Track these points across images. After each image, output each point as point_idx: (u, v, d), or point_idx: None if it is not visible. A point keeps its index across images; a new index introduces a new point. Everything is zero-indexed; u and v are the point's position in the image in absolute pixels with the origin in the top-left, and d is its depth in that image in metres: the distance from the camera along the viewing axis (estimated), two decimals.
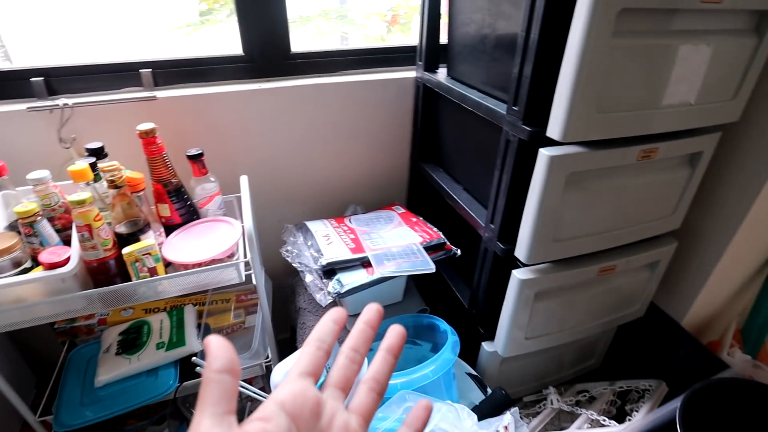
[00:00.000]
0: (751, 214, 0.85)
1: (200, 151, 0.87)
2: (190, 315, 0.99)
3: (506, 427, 0.77)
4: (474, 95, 0.81)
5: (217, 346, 0.25)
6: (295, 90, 1.00)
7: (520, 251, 0.74)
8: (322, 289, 0.84)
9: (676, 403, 0.72)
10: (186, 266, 0.79)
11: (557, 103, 0.61)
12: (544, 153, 0.64)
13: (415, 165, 1.14)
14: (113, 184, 0.73)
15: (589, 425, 0.90)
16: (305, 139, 1.07)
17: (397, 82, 1.07)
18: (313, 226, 0.99)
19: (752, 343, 1.00)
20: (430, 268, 0.84)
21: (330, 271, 0.86)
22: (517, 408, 0.78)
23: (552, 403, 0.95)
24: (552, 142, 0.64)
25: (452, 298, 1.01)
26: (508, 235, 0.76)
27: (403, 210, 1.07)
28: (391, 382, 0.73)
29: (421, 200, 1.17)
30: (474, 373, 0.90)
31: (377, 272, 0.83)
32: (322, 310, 1.03)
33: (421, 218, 1.03)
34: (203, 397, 0.23)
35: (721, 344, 0.98)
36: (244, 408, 1.10)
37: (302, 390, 0.25)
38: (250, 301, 1.09)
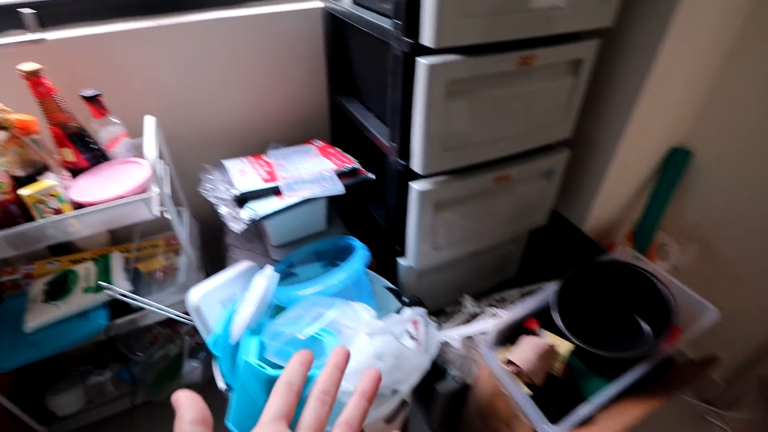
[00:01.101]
0: (632, 122, 0.92)
1: (97, 93, 0.85)
2: (117, 261, 1.01)
3: (415, 323, 0.85)
4: (370, 16, 0.82)
5: (187, 399, 0.26)
6: (197, 26, 0.98)
7: (416, 163, 0.79)
8: (236, 218, 0.87)
9: (556, 285, 0.81)
10: (95, 205, 0.79)
11: (426, 12, 0.63)
12: (421, 62, 0.67)
13: (333, 99, 1.15)
14: None
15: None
16: (216, 77, 1.05)
17: (305, 12, 1.05)
18: (230, 163, 1.01)
19: (642, 242, 1.12)
20: (340, 190, 0.88)
21: (243, 200, 0.89)
22: (425, 309, 0.85)
23: (466, 307, 1.05)
24: (431, 52, 0.67)
25: (373, 223, 1.07)
26: (406, 150, 0.80)
27: (322, 144, 1.09)
28: (302, 293, 0.79)
29: (342, 133, 1.20)
30: (391, 286, 0.97)
31: (286, 197, 0.86)
32: (248, 243, 1.07)
33: (339, 149, 1.05)
34: None
35: (615, 244, 1.09)
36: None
37: None
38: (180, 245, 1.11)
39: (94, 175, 0.88)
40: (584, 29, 0.76)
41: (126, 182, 0.84)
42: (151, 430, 1.12)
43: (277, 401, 0.29)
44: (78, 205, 0.80)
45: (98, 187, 0.84)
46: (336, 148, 1.06)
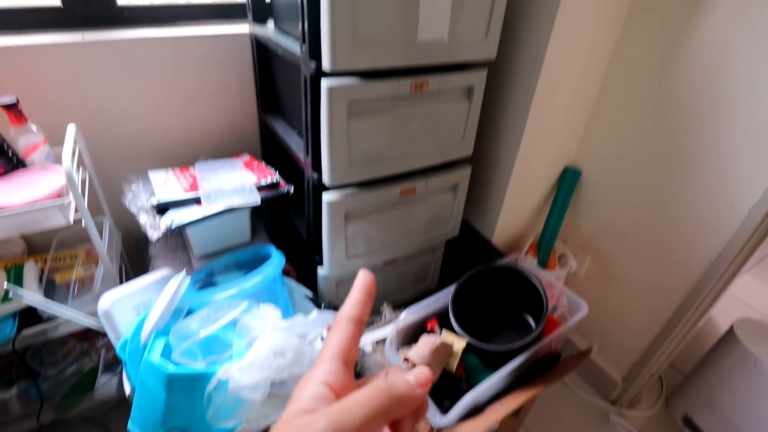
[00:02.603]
0: (524, 141, 1.05)
1: (14, 100, 0.87)
2: (30, 270, 0.99)
3: (329, 328, 0.90)
4: (287, 41, 0.90)
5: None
6: (123, 44, 1.02)
7: (325, 176, 0.86)
8: (154, 226, 0.90)
9: (453, 287, 0.90)
10: (5, 209, 0.80)
11: (323, 38, 0.72)
12: (323, 84, 0.76)
13: (262, 116, 1.21)
14: None
15: None
16: (146, 91, 1.09)
17: (235, 37, 1.13)
18: (154, 174, 1.04)
19: (543, 252, 1.24)
20: (256, 201, 0.94)
21: (163, 209, 0.92)
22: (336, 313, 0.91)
23: (385, 316, 1.11)
24: (333, 75, 0.76)
25: (296, 235, 1.12)
26: (318, 164, 0.88)
27: (248, 158, 1.15)
28: (214, 297, 0.82)
29: (270, 149, 1.26)
30: (310, 295, 1.02)
31: (205, 206, 0.91)
32: (171, 254, 1.09)
33: (264, 163, 1.11)
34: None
35: (519, 255, 1.21)
36: None
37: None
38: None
39: (8, 181, 0.88)
40: (470, 61, 0.88)
41: (40, 188, 0.85)
42: None
43: (336, 337, 0.26)
44: None
45: (11, 193, 0.84)
46: (260, 162, 1.12)
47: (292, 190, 1.03)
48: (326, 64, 0.73)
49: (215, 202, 0.93)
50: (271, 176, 1.03)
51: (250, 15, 1.07)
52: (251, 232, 1.11)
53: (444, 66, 0.86)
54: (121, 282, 1.06)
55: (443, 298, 0.93)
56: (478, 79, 0.92)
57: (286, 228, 1.19)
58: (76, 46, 0.98)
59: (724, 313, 1.79)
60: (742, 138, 0.91)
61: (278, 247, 1.13)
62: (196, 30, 1.09)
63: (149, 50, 1.05)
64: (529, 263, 1.21)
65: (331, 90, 0.75)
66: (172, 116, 1.15)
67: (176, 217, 0.90)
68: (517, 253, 1.21)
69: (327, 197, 0.88)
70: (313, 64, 0.77)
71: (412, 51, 0.79)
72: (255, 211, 1.17)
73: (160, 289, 0.88)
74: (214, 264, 1.01)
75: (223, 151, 1.25)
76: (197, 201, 0.94)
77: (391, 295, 1.22)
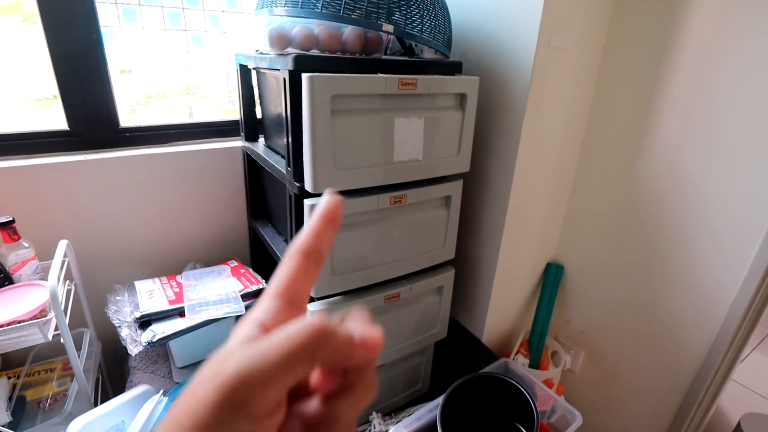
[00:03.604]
0: (504, 243, 1.08)
1: (9, 219, 0.91)
2: (0, 387, 0.95)
3: None
4: (275, 159, 0.97)
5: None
6: (123, 160, 1.09)
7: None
8: (135, 341, 0.88)
9: (441, 399, 0.86)
10: None
11: (306, 164, 0.78)
12: (306, 203, 0.80)
13: (251, 222, 1.26)
14: None
15: None
16: (138, 203, 1.14)
17: (226, 151, 1.21)
18: (141, 284, 1.04)
19: (534, 349, 1.21)
20: (240, 311, 0.94)
21: (146, 322, 0.91)
22: None
23: (375, 427, 1.05)
24: (315, 195, 0.81)
25: None
26: None
27: (236, 264, 1.17)
28: None
29: (259, 254, 1.28)
30: None
31: (188, 319, 0.90)
32: (151, 365, 1.06)
33: (250, 269, 1.13)
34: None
35: (510, 353, 1.18)
36: None
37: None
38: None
39: None
40: (447, 174, 0.95)
41: (22, 306, 0.85)
42: None
43: (281, 272, 0.24)
44: None
45: None
46: (248, 269, 1.13)
47: None
48: (309, 186, 0.79)
49: (199, 313, 0.93)
50: (257, 283, 1.04)
51: (242, 133, 1.16)
52: None
53: (421, 180, 0.92)
54: (96, 396, 1.02)
55: (431, 411, 0.90)
56: (454, 189, 0.98)
57: None
58: (76, 164, 1.04)
59: (732, 401, 1.71)
60: (710, 236, 0.95)
61: None
62: (192, 147, 1.18)
63: (147, 165, 1.12)
64: (521, 362, 1.18)
65: (313, 209, 0.80)
66: (163, 225, 1.19)
67: (158, 331, 0.89)
68: (507, 354, 1.19)
69: (312, 308, 0.88)
70: (297, 185, 0.82)
71: (390, 171, 0.85)
72: (239, 317, 1.16)
73: (135, 408, 0.84)
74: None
75: (213, 255, 1.27)
76: (181, 313, 0.94)
77: (381, 402, 1.16)
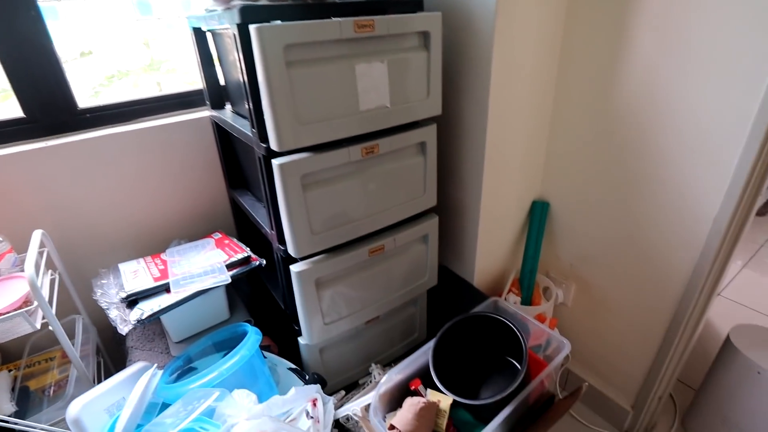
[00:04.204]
0: (485, 184, 1.07)
1: None
2: (2, 381, 0.97)
3: (314, 401, 0.87)
4: (241, 124, 0.94)
5: None
6: (87, 143, 1.05)
7: (290, 248, 0.87)
8: (125, 320, 0.89)
9: (432, 343, 0.88)
10: None
11: (267, 122, 0.75)
12: (274, 162, 0.78)
13: (230, 193, 1.24)
14: None
15: None
16: (111, 185, 1.11)
17: (195, 122, 1.17)
18: (125, 266, 1.04)
19: (526, 288, 1.23)
20: (226, 280, 0.94)
21: (132, 301, 0.91)
22: (319, 385, 0.88)
23: (374, 377, 1.08)
24: (284, 153, 0.79)
25: (276, 306, 1.11)
26: (283, 237, 0.88)
27: (220, 235, 1.16)
28: (190, 386, 0.80)
29: (243, 224, 1.27)
30: (293, 366, 1.00)
31: (174, 293, 0.90)
32: (148, 343, 1.07)
33: (235, 239, 1.12)
34: None
35: (502, 294, 1.20)
36: None
37: None
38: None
39: None
40: (418, 119, 0.92)
41: (5, 298, 0.85)
42: None
43: None
44: None
45: None
46: (232, 240, 1.12)
47: (264, 263, 1.03)
48: (274, 145, 0.76)
49: (185, 287, 0.92)
50: (242, 252, 1.03)
51: (207, 102, 1.12)
52: (229, 308, 1.10)
53: (392, 128, 0.89)
54: (99, 380, 1.03)
55: (424, 354, 0.91)
56: (428, 134, 0.96)
57: (265, 300, 1.18)
58: (38, 151, 1.00)
59: (724, 318, 1.76)
60: (689, 154, 0.94)
61: (260, 319, 1.11)
62: (158, 121, 1.14)
63: (111, 145, 1.08)
64: (513, 301, 1.20)
65: (282, 167, 0.78)
66: (141, 205, 1.17)
67: (146, 309, 0.89)
68: (499, 294, 1.21)
69: (295, 268, 0.88)
70: (263, 145, 0.79)
71: (357, 121, 0.82)
72: (234, 286, 1.16)
73: (133, 384, 0.86)
74: (190, 349, 0.99)
75: (197, 231, 1.26)
76: (167, 289, 0.94)
77: (379, 353, 1.19)
